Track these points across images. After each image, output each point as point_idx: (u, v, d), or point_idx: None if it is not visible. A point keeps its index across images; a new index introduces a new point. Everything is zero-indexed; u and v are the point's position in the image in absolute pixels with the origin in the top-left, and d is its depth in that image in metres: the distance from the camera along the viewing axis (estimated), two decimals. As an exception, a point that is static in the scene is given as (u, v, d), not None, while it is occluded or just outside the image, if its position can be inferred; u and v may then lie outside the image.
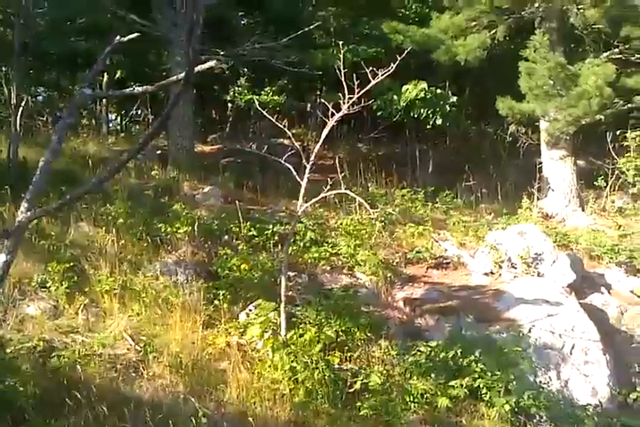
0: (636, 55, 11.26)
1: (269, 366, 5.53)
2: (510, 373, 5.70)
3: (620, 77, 10.97)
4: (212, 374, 5.46)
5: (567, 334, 6.84)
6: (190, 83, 4.01)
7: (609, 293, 8.55)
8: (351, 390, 5.54)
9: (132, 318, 6.03)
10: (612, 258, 9.27)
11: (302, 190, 5.65)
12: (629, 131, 8.83)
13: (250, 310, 6.26)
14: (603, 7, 10.47)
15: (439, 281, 7.82)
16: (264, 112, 6.24)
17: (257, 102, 7.54)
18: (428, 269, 8.00)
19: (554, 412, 5.77)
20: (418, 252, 8.05)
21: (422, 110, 10.58)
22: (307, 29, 9.67)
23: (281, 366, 5.48)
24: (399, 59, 5.86)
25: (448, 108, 10.80)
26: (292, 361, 5.49)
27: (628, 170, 7.72)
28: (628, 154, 8.59)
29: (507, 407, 5.46)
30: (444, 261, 8.15)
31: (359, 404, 5.34)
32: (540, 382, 6.11)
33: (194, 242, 7.26)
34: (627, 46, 11.13)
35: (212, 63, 3.70)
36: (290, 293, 6.69)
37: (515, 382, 5.64)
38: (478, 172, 11.36)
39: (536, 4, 10.97)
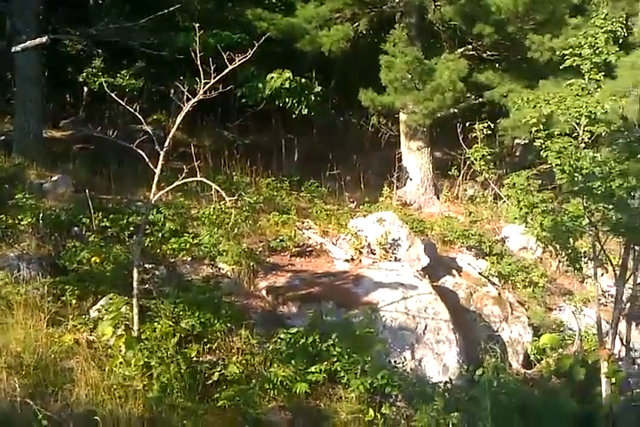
0: (488, 52, 12.01)
1: (121, 363, 5.29)
2: (366, 355, 5.87)
3: (473, 73, 11.65)
4: (59, 374, 5.12)
5: (420, 315, 7.18)
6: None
7: (460, 275, 9.10)
8: (209, 382, 5.45)
9: (-35, 319, 5.51)
10: (463, 242, 9.87)
11: (156, 178, 5.41)
12: (477, 122, 9.43)
13: (101, 306, 5.95)
14: (457, 4, 11.02)
15: (302, 269, 7.89)
16: (114, 95, 5.90)
17: (106, 85, 7.12)
18: (291, 257, 8.05)
19: (408, 390, 6.03)
20: (281, 240, 8.07)
21: (287, 99, 10.61)
22: (166, 11, 9.29)
23: (134, 362, 5.27)
24: (257, 45, 5.80)
25: (313, 98, 10.90)
26: (146, 356, 5.30)
27: (476, 159, 8.26)
28: (476, 144, 9.19)
29: (362, 388, 5.62)
30: (308, 249, 8.24)
31: (217, 395, 5.27)
32: (395, 362, 6.35)
33: (39, 234, 6.76)
34: (479, 43, 11.82)
35: (42, 39, 3.39)
36: (146, 285, 6.46)
37: (370, 364, 5.82)
38: (342, 161, 11.61)
39: (396, -1, 11.32)
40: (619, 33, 7.47)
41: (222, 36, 10.17)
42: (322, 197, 10.20)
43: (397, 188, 11.53)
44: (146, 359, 5.27)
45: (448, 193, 12.08)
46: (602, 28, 7.19)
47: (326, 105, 12.40)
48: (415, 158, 11.93)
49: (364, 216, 9.11)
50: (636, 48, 11.04)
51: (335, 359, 5.82)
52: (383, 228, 8.46)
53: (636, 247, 6.78)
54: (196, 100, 5.44)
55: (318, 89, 11.14)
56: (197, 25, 6.05)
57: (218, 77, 5.49)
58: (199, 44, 5.65)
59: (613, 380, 6.84)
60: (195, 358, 5.64)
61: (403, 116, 11.82)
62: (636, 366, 8.01)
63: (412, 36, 11.31)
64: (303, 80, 10.94)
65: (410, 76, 10.56)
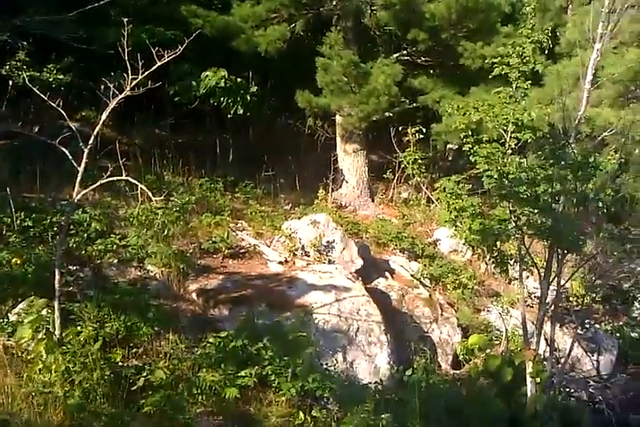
0: (422, 58, 12.22)
1: (41, 369, 5.05)
2: (297, 358, 5.83)
3: (407, 78, 11.84)
4: (-29, 382, 4.84)
5: (353, 317, 7.21)
6: None
7: (392, 277, 9.22)
8: (134, 388, 5.27)
9: None
10: (396, 245, 10.01)
11: (79, 176, 5.21)
12: (410, 127, 9.58)
13: (21, 309, 5.67)
14: (393, 10, 11.17)
15: (235, 271, 7.78)
16: (37, 90, 5.64)
17: (32, 79, 6.81)
18: (223, 259, 7.93)
19: (339, 393, 6.02)
20: (214, 242, 7.93)
21: (223, 99, 10.44)
22: (97, 4, 8.96)
23: (55, 368, 5.04)
24: (187, 42, 5.67)
25: (249, 98, 10.78)
26: (68, 361, 5.08)
27: (408, 163, 8.37)
28: (409, 148, 9.33)
29: (292, 392, 5.58)
30: (241, 251, 8.14)
31: (143, 401, 5.10)
32: (327, 364, 6.35)
33: (-49, 236, 6.39)
34: (414, 49, 12.01)
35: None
36: (70, 288, 6.21)
37: (301, 367, 5.78)
38: (278, 163, 11.54)
39: (333, 2, 11.35)
40: (545, 43, 7.72)
41: (155, 32, 9.91)
42: (257, 199, 10.10)
43: (333, 190, 11.57)
44: (67, 364, 5.04)
45: (383, 196, 12.24)
46: (529, 37, 7.42)
47: (263, 105, 12.30)
48: (351, 161, 12.01)
49: (299, 218, 9.09)
50: (562, 58, 11.54)
51: (266, 363, 5.74)
52: (317, 230, 8.46)
53: (560, 250, 7.03)
54: (122, 96, 5.27)
55: (254, 89, 11.03)
56: (128, 19, 5.87)
57: (146, 74, 5.33)
58: (130, 40, 5.49)
59: (538, 380, 7.08)
60: (119, 363, 5.45)
61: (339, 119, 11.88)
62: (560, 366, 8.30)
63: (348, 39, 11.38)
64: (239, 80, 10.80)
65: (346, 78, 10.62)
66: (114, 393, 5.09)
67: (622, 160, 8.02)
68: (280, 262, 8.10)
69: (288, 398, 5.66)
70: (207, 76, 10.34)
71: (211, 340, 5.86)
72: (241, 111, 10.66)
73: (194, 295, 7.17)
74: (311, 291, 7.34)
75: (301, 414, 5.58)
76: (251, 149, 11.67)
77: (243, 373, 5.62)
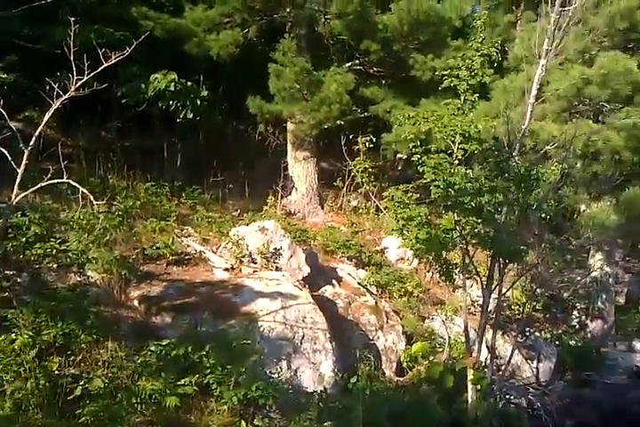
0: (375, 68, 12.37)
1: (-31, 379, 4.84)
2: (241, 366, 5.75)
3: (360, 87, 11.95)
4: None
5: (299, 324, 7.19)
6: None
7: (339, 285, 9.25)
8: (71, 398, 5.10)
9: None
10: (344, 253, 10.06)
11: (19, 178, 5.05)
12: (360, 135, 9.65)
13: (-48, 316, 5.42)
14: (346, 19, 11.27)
15: (179, 278, 7.65)
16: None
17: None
18: (167, 265, 7.78)
19: (282, 401, 5.98)
20: (157, 248, 7.77)
21: (172, 102, 10.29)
22: (44, 2, 8.72)
23: (-15, 378, 4.83)
24: (135, 43, 5.59)
25: (199, 102, 10.65)
26: (0, 371, 4.88)
27: (357, 172, 8.43)
28: (359, 157, 9.38)
29: (235, 400, 5.50)
30: (186, 258, 8.00)
31: (79, 411, 4.94)
32: (271, 372, 6.29)
33: None
34: (366, 59, 12.15)
35: None
36: (6, 294, 5.96)
37: (244, 375, 5.71)
38: (228, 168, 11.44)
39: (287, 9, 11.37)
40: (494, 56, 7.90)
41: (103, 33, 9.70)
42: (204, 204, 9.98)
43: (282, 197, 11.55)
44: (-1, 374, 4.85)
45: (332, 204, 12.29)
46: (478, 51, 7.58)
47: (214, 110, 12.18)
48: (301, 168, 12.03)
49: (247, 224, 9.02)
50: (509, 73, 11.86)
51: (208, 371, 5.65)
52: (265, 237, 8.42)
53: (502, 260, 7.20)
54: (67, 97, 5.15)
55: (205, 93, 10.91)
56: (76, 19, 5.76)
57: (92, 74, 5.23)
58: (78, 39, 5.37)
59: (478, 386, 7.22)
60: (56, 372, 5.26)
61: (290, 126, 11.88)
62: (500, 373, 8.48)
63: (301, 46, 11.43)
64: (190, 83, 10.67)
65: (298, 86, 10.65)
66: (49, 403, 4.92)
67: (564, 173, 8.28)
68: (226, 269, 8.01)
69: (230, 407, 5.58)
70: (156, 78, 10.16)
71: (152, 348, 5.73)
72: (190, 115, 10.53)
73: (135, 302, 7.01)
74: (257, 298, 7.28)
75: (243, 423, 5.51)
76: (200, 154, 11.53)
77: (184, 381, 5.52)
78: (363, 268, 10.01)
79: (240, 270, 8.04)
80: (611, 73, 10.01)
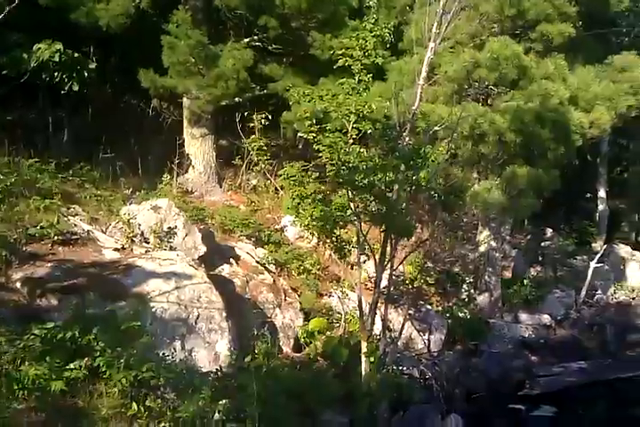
0: (274, 45, 12.19)
1: None
2: (131, 348, 5.61)
3: (258, 64, 11.76)
4: None
5: (193, 304, 7.09)
6: None
7: (237, 263, 9.19)
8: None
9: None
10: (242, 231, 9.98)
11: None
12: (256, 113, 9.55)
13: None
14: (242, -7, 11.01)
15: (66, 258, 7.29)
16: None
17: None
18: (53, 245, 7.38)
19: (176, 382, 5.89)
20: (42, 227, 7.35)
21: (57, 74, 9.67)
22: None
23: None
24: (8, 9, 5.18)
25: (87, 75, 10.08)
26: None
27: (253, 149, 8.33)
28: (254, 135, 9.27)
29: (125, 382, 5.36)
30: (73, 237, 7.63)
31: (-46, 401, 4.63)
32: (164, 353, 6.17)
33: None
34: (265, 35, 11.94)
35: None
36: None
37: (135, 357, 5.57)
38: (119, 144, 10.95)
39: (180, -20, 10.96)
40: (387, 38, 7.98)
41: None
42: (93, 182, 9.53)
43: (178, 175, 11.25)
44: None
45: (231, 182, 12.12)
46: (372, 31, 7.64)
47: (104, 83, 11.61)
48: (198, 145, 11.75)
49: (139, 203, 8.72)
50: (405, 55, 12.10)
51: (97, 354, 5.47)
52: (158, 215, 8.20)
53: (393, 236, 7.41)
54: None
55: (93, 65, 10.35)
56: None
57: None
58: None
59: (372, 359, 7.44)
60: None
61: (186, 102, 11.55)
62: (393, 345, 8.78)
63: (197, 19, 11.08)
64: (77, 55, 10.07)
65: (193, 59, 10.34)
66: None
67: (452, 153, 8.60)
68: (116, 249, 7.73)
69: (120, 390, 5.43)
70: (40, 48, 9.51)
71: (35, 331, 5.45)
72: (77, 88, 9.96)
73: (18, 284, 6.63)
74: (149, 279, 7.09)
75: (134, 405, 5.37)
76: (88, 129, 10.96)
77: (71, 365, 5.31)
78: (262, 246, 10.00)
79: (131, 250, 7.78)
80: (500, 57, 10.45)
